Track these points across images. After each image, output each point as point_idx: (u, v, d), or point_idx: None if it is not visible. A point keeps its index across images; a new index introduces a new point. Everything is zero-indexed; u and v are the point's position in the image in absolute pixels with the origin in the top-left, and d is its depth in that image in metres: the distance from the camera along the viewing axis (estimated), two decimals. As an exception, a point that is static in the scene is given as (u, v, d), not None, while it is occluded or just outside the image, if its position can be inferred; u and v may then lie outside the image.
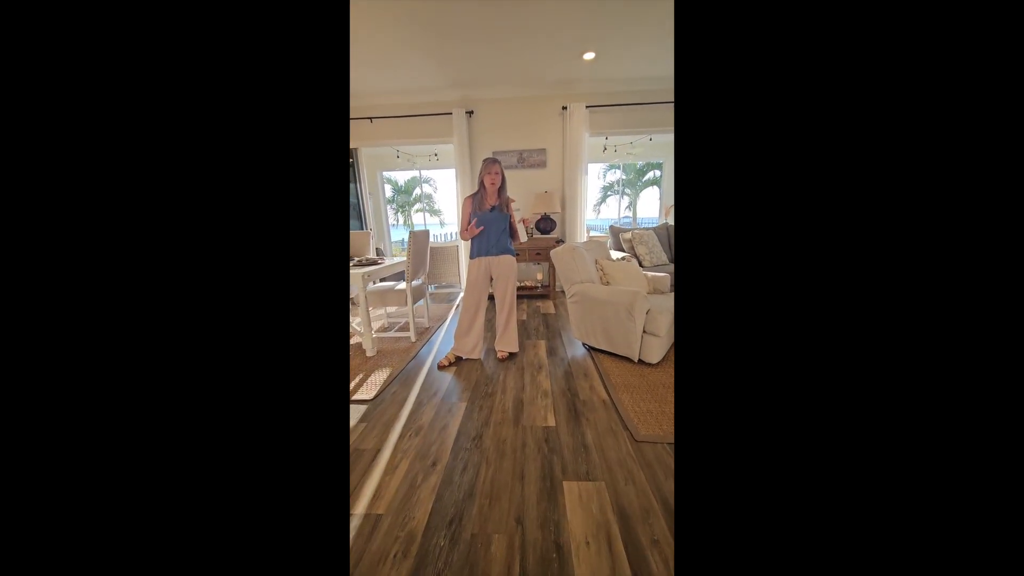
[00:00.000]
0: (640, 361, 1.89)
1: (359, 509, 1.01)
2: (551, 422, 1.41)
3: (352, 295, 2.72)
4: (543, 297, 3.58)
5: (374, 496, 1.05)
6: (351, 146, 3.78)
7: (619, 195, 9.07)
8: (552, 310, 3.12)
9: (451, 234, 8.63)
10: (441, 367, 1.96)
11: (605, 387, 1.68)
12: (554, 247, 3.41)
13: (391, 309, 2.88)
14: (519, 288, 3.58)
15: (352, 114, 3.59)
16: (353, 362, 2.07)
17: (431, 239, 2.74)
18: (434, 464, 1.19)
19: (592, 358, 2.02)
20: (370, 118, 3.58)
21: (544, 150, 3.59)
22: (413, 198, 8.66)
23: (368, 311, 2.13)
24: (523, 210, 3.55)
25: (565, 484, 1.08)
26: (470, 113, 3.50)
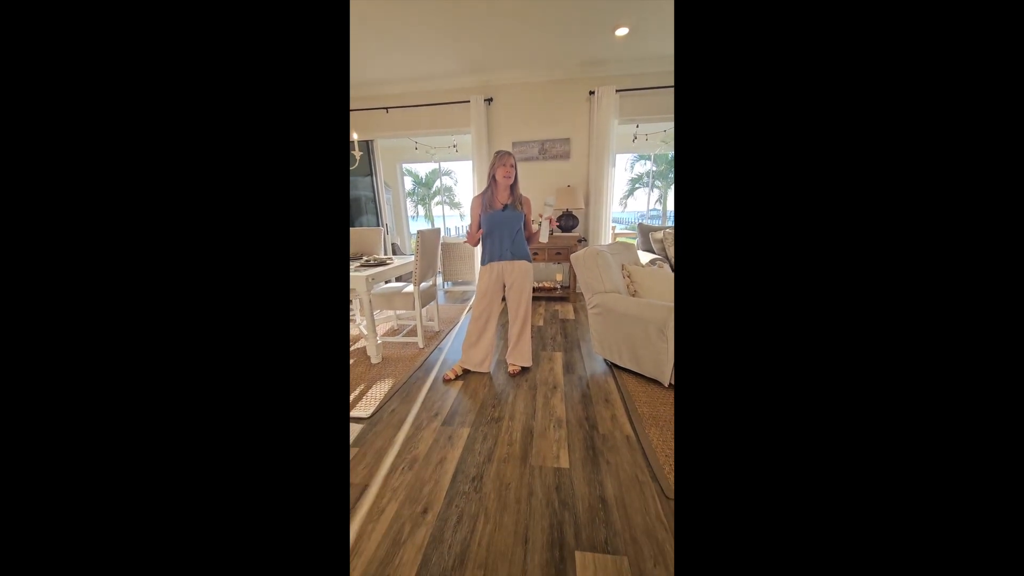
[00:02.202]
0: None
1: (332, 569, 0.86)
2: (564, 462, 1.21)
3: (358, 297, 2.62)
4: (562, 300, 3.34)
5: (351, 553, 0.90)
6: (366, 138, 3.66)
7: (648, 188, 8.54)
8: (572, 315, 2.88)
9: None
10: (446, 380, 1.81)
11: (630, 419, 1.45)
12: (575, 246, 3.18)
13: (400, 312, 2.76)
14: (536, 289, 3.37)
15: (367, 104, 3.46)
16: (357, 370, 1.96)
17: (449, 233, 2.57)
18: (425, 511, 1.02)
19: (615, 378, 1.79)
20: (386, 108, 3.43)
21: (568, 140, 3.30)
22: (433, 191, 8.57)
23: (373, 316, 2.00)
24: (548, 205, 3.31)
25: (578, 555, 0.88)
26: (489, 100, 3.26)
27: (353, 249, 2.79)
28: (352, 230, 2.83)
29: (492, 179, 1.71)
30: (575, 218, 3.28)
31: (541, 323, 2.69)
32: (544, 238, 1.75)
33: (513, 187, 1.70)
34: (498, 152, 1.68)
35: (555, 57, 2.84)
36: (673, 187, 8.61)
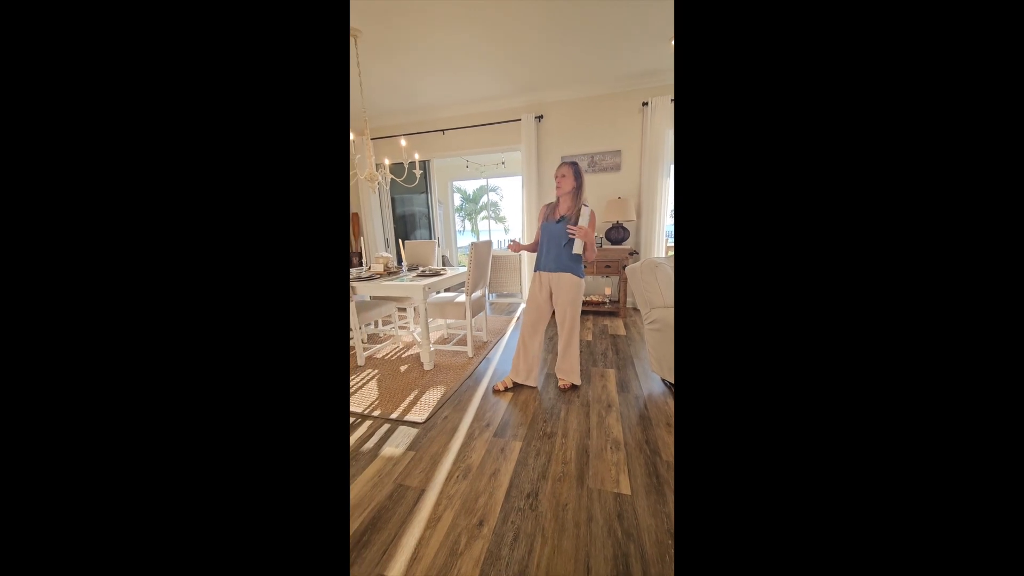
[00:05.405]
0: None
1: (395, 572, 0.88)
2: (625, 488, 1.13)
3: (414, 305, 2.76)
4: (612, 315, 3.21)
5: (412, 557, 0.91)
6: (425, 158, 3.93)
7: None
8: (622, 331, 2.75)
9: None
10: (496, 391, 1.80)
11: (697, 446, 1.32)
12: (626, 259, 3.06)
13: (450, 320, 2.85)
14: (583, 303, 3.28)
15: (426, 127, 3.74)
16: (410, 375, 2.04)
17: (495, 247, 2.64)
18: (480, 524, 1.01)
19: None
20: (442, 130, 3.67)
21: (619, 152, 3.25)
22: (480, 206, 8.91)
23: (427, 323, 2.09)
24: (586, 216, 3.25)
25: (647, 595, 0.80)
26: (539, 118, 3.35)
27: (409, 260, 2.97)
28: (408, 243, 3.02)
29: None
30: (626, 230, 3.17)
31: (590, 338, 2.61)
32: (578, 249, 1.62)
33: (575, 198, 1.68)
34: (560, 164, 1.68)
35: (607, 71, 2.84)
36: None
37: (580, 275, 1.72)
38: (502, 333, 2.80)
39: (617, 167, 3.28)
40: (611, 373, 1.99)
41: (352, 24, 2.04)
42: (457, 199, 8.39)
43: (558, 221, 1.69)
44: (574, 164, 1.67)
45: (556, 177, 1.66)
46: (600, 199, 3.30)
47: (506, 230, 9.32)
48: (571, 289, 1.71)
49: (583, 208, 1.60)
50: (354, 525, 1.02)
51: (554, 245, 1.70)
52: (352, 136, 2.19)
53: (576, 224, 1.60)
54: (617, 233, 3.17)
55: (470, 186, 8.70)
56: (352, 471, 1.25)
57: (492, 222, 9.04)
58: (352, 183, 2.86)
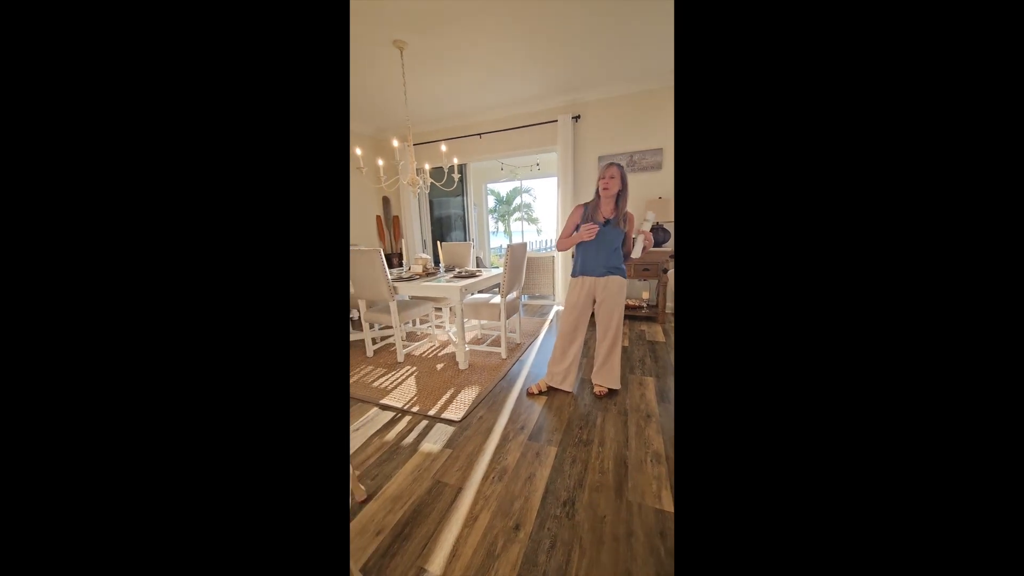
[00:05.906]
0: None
1: (435, 567, 0.90)
2: (667, 505, 1.07)
3: (450, 305, 2.84)
4: (650, 320, 3.08)
5: (451, 554, 0.94)
6: (463, 162, 4.03)
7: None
8: (661, 337, 2.63)
9: (547, 242, 8.55)
10: (531, 394, 1.80)
11: (748, 466, 1.22)
12: (666, 262, 2.92)
13: (483, 321, 2.89)
14: (620, 307, 3.17)
15: (464, 132, 3.83)
16: (446, 374, 2.10)
17: (528, 248, 2.63)
18: (517, 528, 1.01)
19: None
20: (479, 134, 3.74)
21: (660, 150, 3.11)
22: (513, 208, 8.97)
23: (463, 324, 2.13)
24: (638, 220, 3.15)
25: (694, 622, 0.75)
26: (576, 118, 3.30)
27: (446, 261, 3.06)
28: (445, 244, 3.11)
29: (596, 191, 1.67)
30: (667, 232, 3.03)
31: (627, 343, 2.52)
32: (637, 254, 1.63)
33: (619, 201, 1.62)
34: (607, 164, 1.62)
35: (647, 68, 2.73)
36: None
37: (625, 275, 1.69)
38: (535, 335, 2.79)
39: (658, 166, 3.14)
40: (650, 381, 1.90)
41: (398, 36, 2.15)
42: (491, 201, 8.52)
43: (604, 224, 1.64)
44: (620, 166, 1.61)
45: (604, 179, 1.60)
46: (640, 199, 3.17)
47: (539, 231, 9.29)
48: (620, 291, 1.67)
49: (630, 214, 1.66)
50: (396, 517, 1.06)
51: (603, 249, 1.64)
52: (396, 143, 2.30)
53: (624, 228, 1.64)
54: (657, 235, 3.03)
55: (503, 188, 8.79)
56: (392, 465, 1.31)
57: (525, 223, 9.07)
58: (394, 188, 3.00)
